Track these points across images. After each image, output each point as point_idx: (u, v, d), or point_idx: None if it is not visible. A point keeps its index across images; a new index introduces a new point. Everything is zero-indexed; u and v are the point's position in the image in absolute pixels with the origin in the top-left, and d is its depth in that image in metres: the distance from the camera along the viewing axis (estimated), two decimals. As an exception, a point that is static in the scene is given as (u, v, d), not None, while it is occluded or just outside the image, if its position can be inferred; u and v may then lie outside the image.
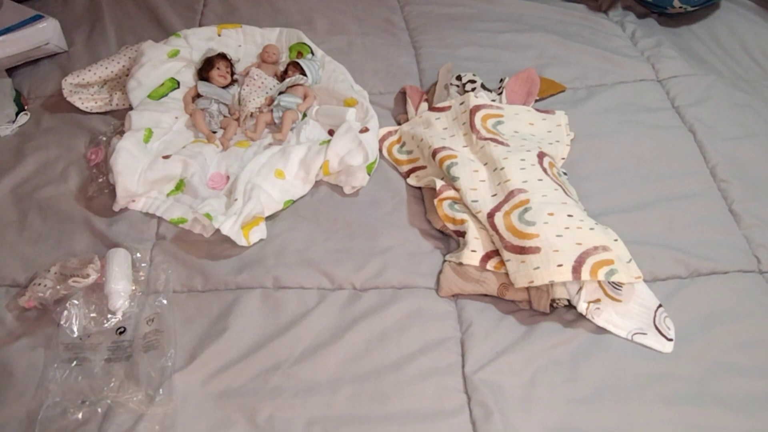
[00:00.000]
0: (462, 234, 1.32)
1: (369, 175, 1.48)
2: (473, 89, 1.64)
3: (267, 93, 1.66)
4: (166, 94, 1.64)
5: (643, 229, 1.35)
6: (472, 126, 1.51)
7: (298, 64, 1.70)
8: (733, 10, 2.02)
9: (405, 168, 1.52)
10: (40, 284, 1.23)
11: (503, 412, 1.07)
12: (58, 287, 1.22)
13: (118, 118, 1.64)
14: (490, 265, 1.25)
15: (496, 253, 1.27)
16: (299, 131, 1.57)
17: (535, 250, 1.20)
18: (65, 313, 1.19)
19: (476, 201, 1.34)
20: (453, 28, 1.95)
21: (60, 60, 1.85)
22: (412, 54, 1.87)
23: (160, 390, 1.09)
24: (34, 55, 1.82)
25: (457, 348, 1.17)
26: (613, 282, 1.20)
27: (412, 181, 1.49)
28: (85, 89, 1.68)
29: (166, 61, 1.71)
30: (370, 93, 1.71)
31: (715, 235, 1.35)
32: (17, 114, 1.66)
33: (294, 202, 1.44)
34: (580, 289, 1.19)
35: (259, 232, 1.35)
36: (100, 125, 1.63)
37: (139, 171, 1.42)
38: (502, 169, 1.37)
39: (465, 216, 1.33)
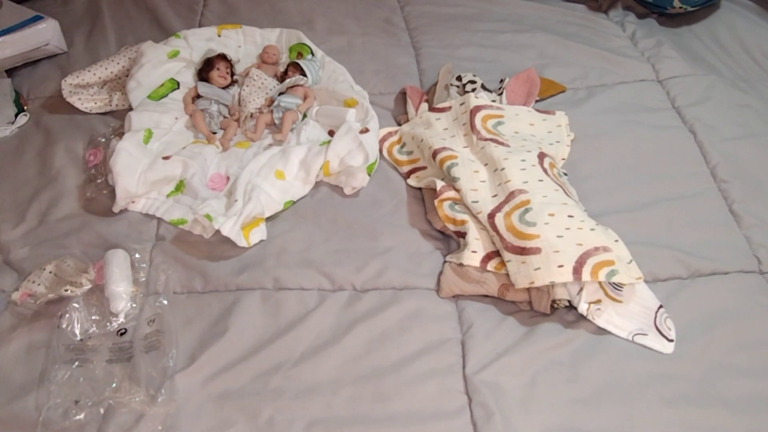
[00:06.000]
0: (462, 235, 1.32)
1: (369, 175, 1.48)
2: (473, 90, 1.63)
3: (267, 93, 1.66)
4: (166, 95, 1.64)
5: (644, 229, 1.35)
6: (472, 126, 1.50)
7: (298, 64, 1.70)
8: (733, 10, 2.02)
9: (405, 168, 1.52)
10: (33, 282, 1.24)
11: (504, 413, 1.07)
12: (50, 295, 1.21)
13: (118, 118, 1.64)
14: (491, 265, 1.25)
15: (496, 253, 1.27)
16: (299, 132, 1.57)
17: (536, 250, 1.20)
18: (66, 316, 1.19)
19: (477, 201, 1.34)
20: (453, 28, 1.95)
21: (60, 61, 1.85)
22: (412, 54, 1.87)
23: (162, 390, 1.09)
24: (34, 56, 1.82)
25: (458, 349, 1.17)
26: (613, 283, 1.20)
27: (412, 181, 1.49)
28: (84, 90, 1.68)
29: (166, 61, 1.71)
30: (370, 93, 1.70)
31: (715, 236, 1.35)
32: (17, 115, 1.66)
33: (294, 202, 1.44)
34: (581, 289, 1.19)
35: (259, 233, 1.34)
36: (100, 126, 1.63)
37: (138, 172, 1.42)
38: (503, 169, 1.37)
39: (465, 217, 1.33)
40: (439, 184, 1.39)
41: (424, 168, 1.50)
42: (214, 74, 1.66)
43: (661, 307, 1.21)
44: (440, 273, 1.29)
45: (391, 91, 1.74)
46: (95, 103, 1.67)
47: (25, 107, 1.70)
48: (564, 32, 1.92)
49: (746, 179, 1.46)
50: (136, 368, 1.13)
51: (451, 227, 1.34)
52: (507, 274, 1.23)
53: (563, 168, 1.49)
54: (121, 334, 1.18)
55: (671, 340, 1.17)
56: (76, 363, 1.14)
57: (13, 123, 1.64)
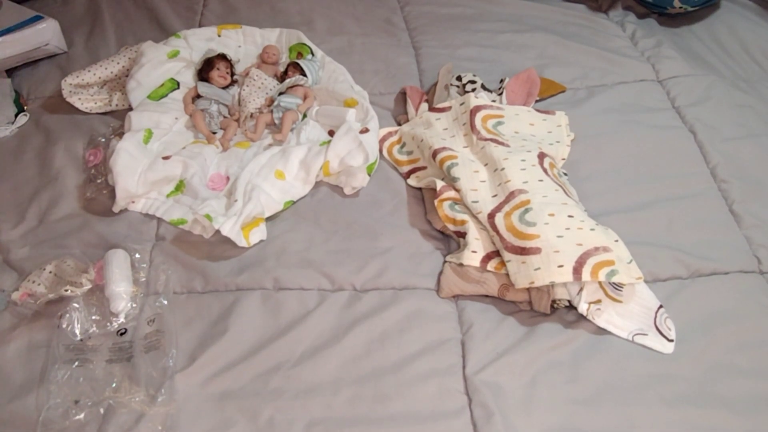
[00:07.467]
0: (462, 235, 1.32)
1: (369, 175, 1.48)
2: (473, 90, 1.63)
3: (267, 93, 1.66)
4: (166, 95, 1.64)
5: (644, 229, 1.35)
6: (472, 126, 1.50)
7: (298, 64, 1.70)
8: (733, 10, 2.02)
9: (405, 168, 1.52)
10: (33, 282, 1.24)
11: (504, 413, 1.07)
12: (50, 295, 1.21)
13: (118, 118, 1.64)
14: (491, 265, 1.25)
15: (496, 253, 1.27)
16: (299, 132, 1.57)
17: (536, 250, 1.20)
18: (66, 316, 1.19)
19: (477, 201, 1.34)
20: (453, 28, 1.94)
21: (59, 61, 1.85)
22: (412, 54, 1.87)
23: (162, 390, 1.09)
24: (34, 56, 1.82)
25: (458, 349, 1.17)
26: (613, 283, 1.20)
27: (412, 181, 1.49)
28: (84, 90, 1.68)
29: (166, 61, 1.71)
30: (370, 93, 1.70)
31: (715, 236, 1.35)
32: (16, 115, 1.66)
33: (294, 202, 1.44)
34: (581, 289, 1.19)
35: (259, 233, 1.34)
36: (100, 126, 1.63)
37: (138, 172, 1.42)
38: (503, 169, 1.37)
39: (465, 217, 1.33)
40: (439, 184, 1.39)
41: (424, 168, 1.50)
42: (214, 74, 1.66)
43: (661, 307, 1.21)
44: (440, 273, 1.29)
45: (391, 91, 1.74)
46: (95, 103, 1.67)
47: (25, 107, 1.70)
48: (564, 32, 1.92)
49: (746, 179, 1.46)
50: (136, 368, 1.13)
51: (451, 227, 1.34)
52: (507, 274, 1.23)
53: (563, 168, 1.49)
54: (121, 334, 1.18)
55: (671, 340, 1.17)
56: (76, 363, 1.14)
57: (13, 123, 1.64)
